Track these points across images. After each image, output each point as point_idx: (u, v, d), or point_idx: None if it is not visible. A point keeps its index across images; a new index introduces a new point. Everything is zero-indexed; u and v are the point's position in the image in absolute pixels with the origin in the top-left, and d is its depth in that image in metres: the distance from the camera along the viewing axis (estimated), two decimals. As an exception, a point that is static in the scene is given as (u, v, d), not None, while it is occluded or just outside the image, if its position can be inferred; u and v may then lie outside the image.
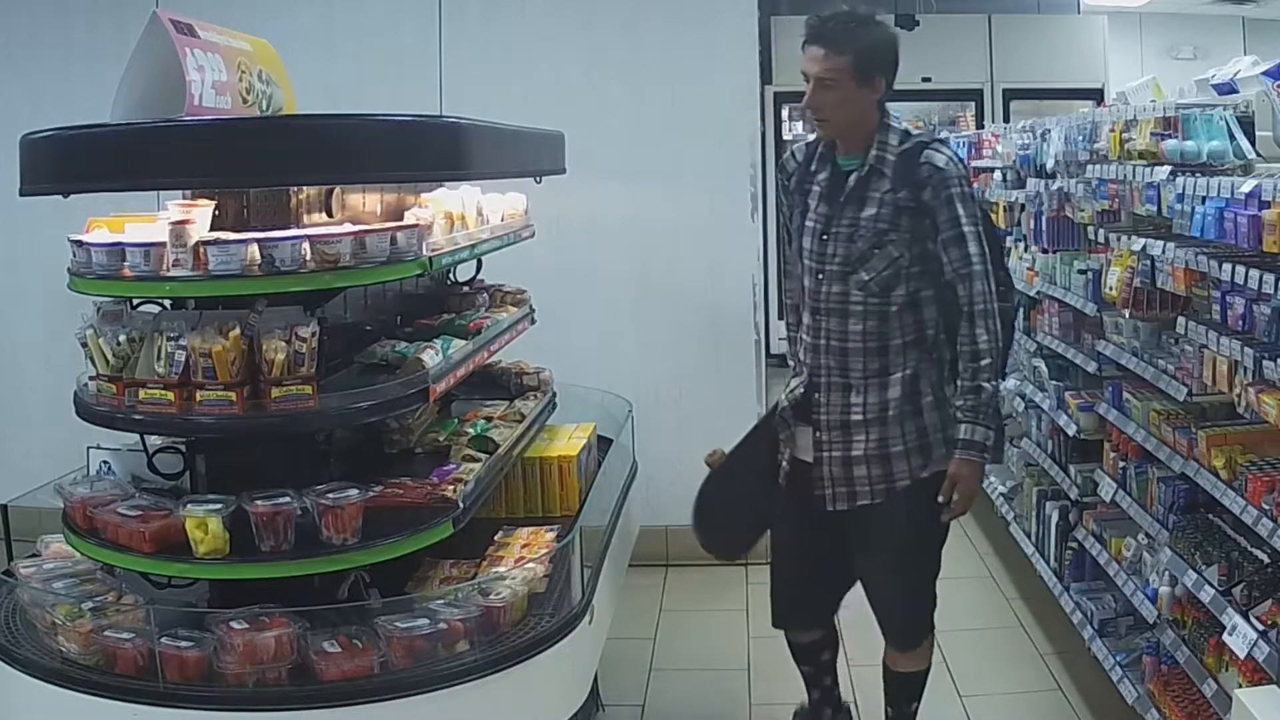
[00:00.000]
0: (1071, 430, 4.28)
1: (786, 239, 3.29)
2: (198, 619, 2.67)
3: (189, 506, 2.63)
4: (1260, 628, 2.76)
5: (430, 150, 2.79)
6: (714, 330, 5.29)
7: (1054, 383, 4.57)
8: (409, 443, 3.31)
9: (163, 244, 2.60)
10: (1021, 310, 4.90)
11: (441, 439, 3.31)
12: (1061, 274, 4.42)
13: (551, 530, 3.30)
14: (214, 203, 2.80)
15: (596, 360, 4.91)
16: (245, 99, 3.04)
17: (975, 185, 5.06)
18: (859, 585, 3.27)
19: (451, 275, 4.00)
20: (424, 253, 2.82)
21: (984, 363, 2.95)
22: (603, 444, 4.06)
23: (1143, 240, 3.49)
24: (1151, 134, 3.46)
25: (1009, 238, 5.23)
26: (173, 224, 2.59)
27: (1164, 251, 3.31)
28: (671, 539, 5.11)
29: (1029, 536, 4.85)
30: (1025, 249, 5.05)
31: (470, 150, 2.90)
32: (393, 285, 3.43)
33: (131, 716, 2.57)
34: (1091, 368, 4.16)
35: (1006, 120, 8.63)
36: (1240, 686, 2.78)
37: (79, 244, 2.74)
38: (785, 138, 9.59)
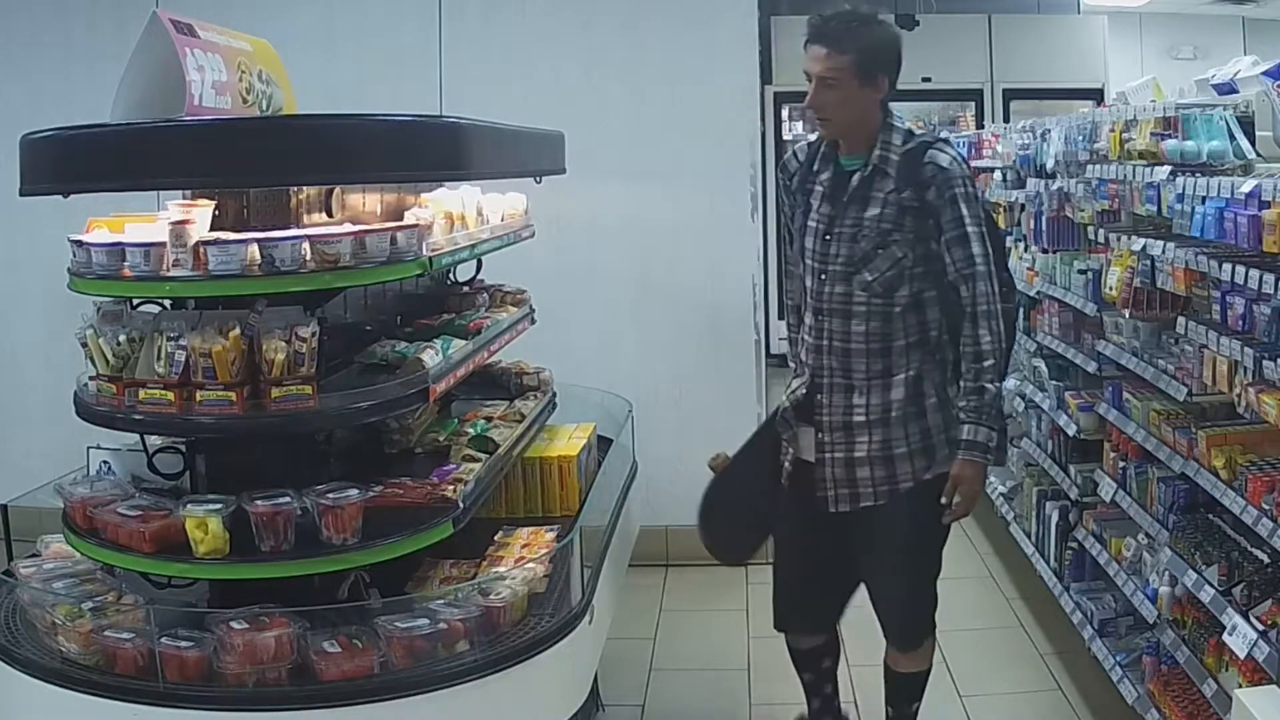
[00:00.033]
0: (1071, 430, 4.28)
1: (788, 239, 3.28)
2: (198, 619, 2.67)
3: (189, 506, 2.63)
4: (1260, 628, 2.76)
5: (430, 150, 2.79)
6: (714, 330, 5.29)
7: (1054, 383, 4.57)
8: (409, 443, 3.31)
9: (163, 244, 2.60)
10: (1022, 310, 4.90)
11: (441, 439, 3.31)
12: (1061, 274, 4.42)
13: (551, 530, 3.30)
14: (214, 203, 2.80)
15: (596, 360, 4.91)
16: (245, 99, 3.04)
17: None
18: (859, 590, 3.27)
19: (451, 275, 4.00)
20: (424, 253, 2.82)
21: (987, 363, 2.95)
22: (603, 444, 4.05)
23: (1143, 240, 3.49)
24: (1151, 134, 3.46)
25: (1009, 238, 5.23)
26: (173, 224, 2.59)
27: (1164, 251, 3.31)
28: (671, 539, 5.11)
29: (1029, 536, 4.85)
30: (1025, 249, 5.05)
31: (470, 150, 2.90)
32: (393, 285, 3.43)
33: (131, 716, 2.57)
34: (1091, 368, 4.16)
35: (1006, 120, 8.63)
36: (1240, 686, 2.78)
37: (79, 244, 2.74)
38: (785, 138, 9.59)
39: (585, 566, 3.14)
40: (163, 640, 2.60)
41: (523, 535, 3.26)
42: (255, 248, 2.57)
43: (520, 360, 4.02)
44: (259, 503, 2.61)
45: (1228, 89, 3.38)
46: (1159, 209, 3.35)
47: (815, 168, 3.13)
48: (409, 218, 2.99)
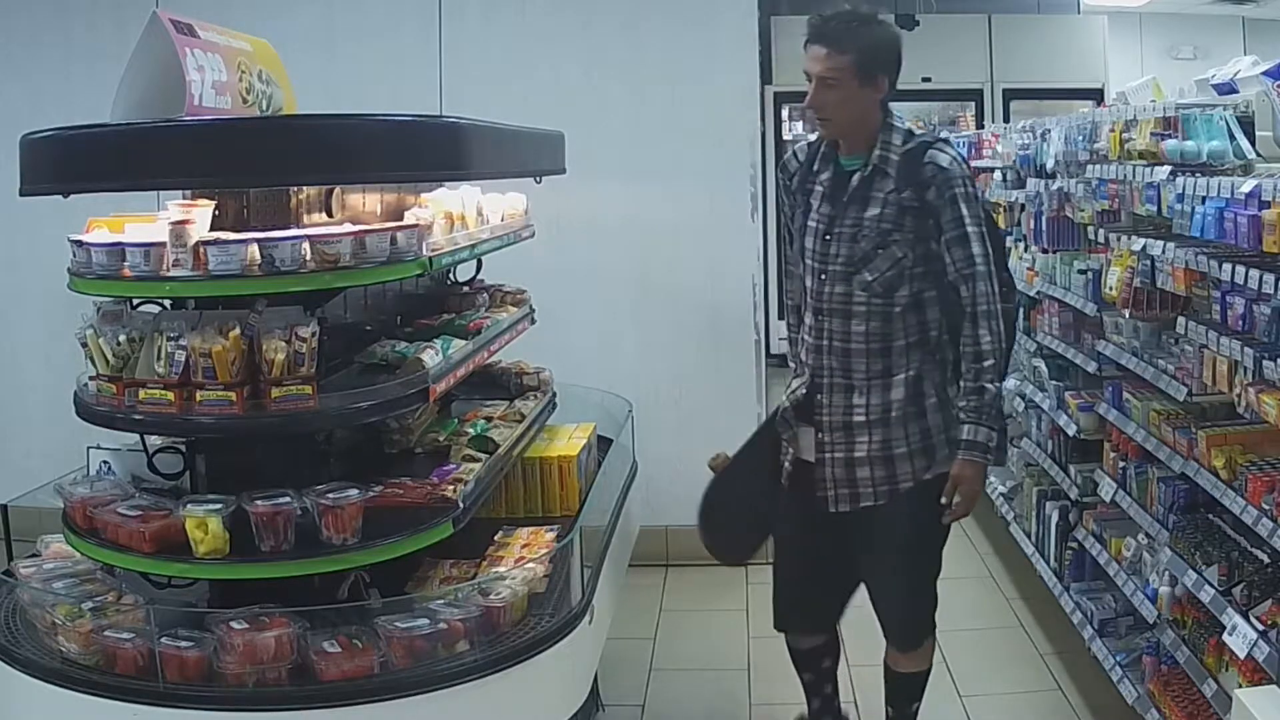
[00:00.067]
0: (1071, 430, 4.28)
1: (788, 239, 3.28)
2: (198, 619, 2.67)
3: (189, 506, 2.63)
4: (1260, 628, 2.76)
5: (430, 150, 2.79)
6: (714, 330, 5.29)
7: (1054, 383, 4.57)
8: (409, 443, 3.31)
9: (163, 244, 2.60)
10: (1021, 310, 4.90)
11: (441, 439, 3.31)
12: (1061, 274, 4.42)
13: (551, 530, 3.30)
14: (214, 203, 2.80)
15: (596, 360, 4.91)
16: (245, 99, 3.04)
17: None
18: (859, 590, 3.27)
19: (451, 275, 4.00)
20: (424, 253, 2.82)
21: (987, 364, 2.95)
22: (603, 444, 4.05)
23: (1143, 240, 3.49)
24: (1151, 134, 3.46)
25: (1009, 238, 5.23)
26: (173, 224, 2.59)
27: (1164, 251, 3.31)
28: (671, 539, 5.11)
29: (1029, 536, 4.85)
30: (1025, 249, 5.05)
31: (470, 150, 2.90)
32: (393, 285, 3.43)
33: (131, 716, 2.57)
34: (1091, 368, 4.16)
35: (1006, 120, 8.63)
36: (1240, 686, 2.78)
37: (79, 244, 2.74)
38: (785, 138, 9.59)
39: (585, 566, 3.14)
40: (163, 640, 2.60)
41: (523, 535, 3.26)
42: (255, 248, 2.57)
43: (520, 360, 4.02)
44: (259, 503, 2.61)
45: (1228, 89, 3.38)
46: (1159, 209, 3.35)
47: (815, 168, 3.13)
48: (409, 218, 2.99)
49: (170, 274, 2.59)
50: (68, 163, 2.69)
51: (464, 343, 3.21)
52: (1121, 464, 3.82)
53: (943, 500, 2.98)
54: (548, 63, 5.25)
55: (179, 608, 2.80)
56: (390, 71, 5.22)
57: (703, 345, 5.29)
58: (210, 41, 2.92)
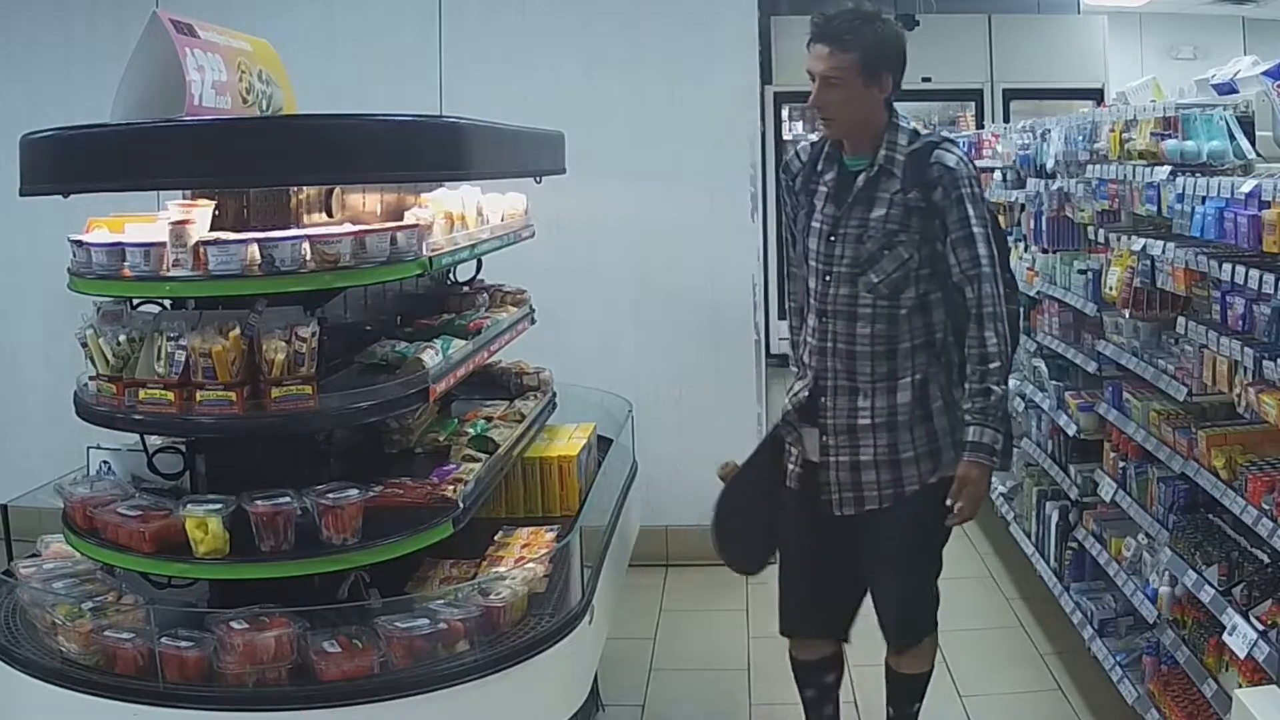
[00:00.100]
0: (1071, 430, 4.28)
1: (790, 240, 3.26)
2: (198, 619, 2.67)
3: (189, 506, 2.63)
4: (1260, 628, 2.76)
5: (430, 150, 2.79)
6: (714, 330, 5.29)
7: (1054, 383, 4.57)
8: (409, 443, 3.31)
9: (163, 244, 2.60)
10: (1022, 310, 4.90)
11: (441, 439, 3.31)
12: (1061, 274, 4.42)
13: (551, 530, 3.30)
14: (214, 203, 2.80)
15: (596, 360, 4.91)
16: (245, 99, 3.04)
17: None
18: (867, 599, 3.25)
19: (451, 275, 4.00)
20: (424, 253, 2.82)
21: (993, 365, 2.93)
22: (603, 444, 4.05)
23: (1143, 240, 3.49)
24: (1151, 134, 3.46)
25: (1009, 238, 5.23)
26: (173, 224, 2.59)
27: (1164, 251, 3.31)
28: (671, 539, 5.11)
29: (1029, 536, 4.85)
30: (1025, 249, 5.05)
31: (470, 150, 2.90)
32: (393, 285, 3.43)
33: (131, 716, 2.57)
34: (1091, 368, 4.16)
35: (1006, 120, 8.64)
36: (1240, 686, 2.78)
37: (79, 244, 2.74)
38: (785, 138, 9.60)
39: (585, 566, 3.14)
40: (163, 640, 2.60)
41: (523, 535, 3.26)
42: (255, 248, 2.57)
43: (520, 360, 4.02)
44: (259, 503, 2.61)
45: (1228, 89, 3.37)
46: (1159, 209, 3.35)
47: (819, 168, 3.11)
48: (409, 218, 2.99)
49: (170, 274, 2.59)
50: (68, 163, 2.69)
51: (464, 343, 3.21)
52: (1121, 464, 3.82)
53: (947, 503, 2.97)
54: (548, 63, 5.25)
55: (179, 608, 2.80)
56: (390, 71, 5.23)
57: (703, 345, 5.29)
58: (210, 41, 2.92)
